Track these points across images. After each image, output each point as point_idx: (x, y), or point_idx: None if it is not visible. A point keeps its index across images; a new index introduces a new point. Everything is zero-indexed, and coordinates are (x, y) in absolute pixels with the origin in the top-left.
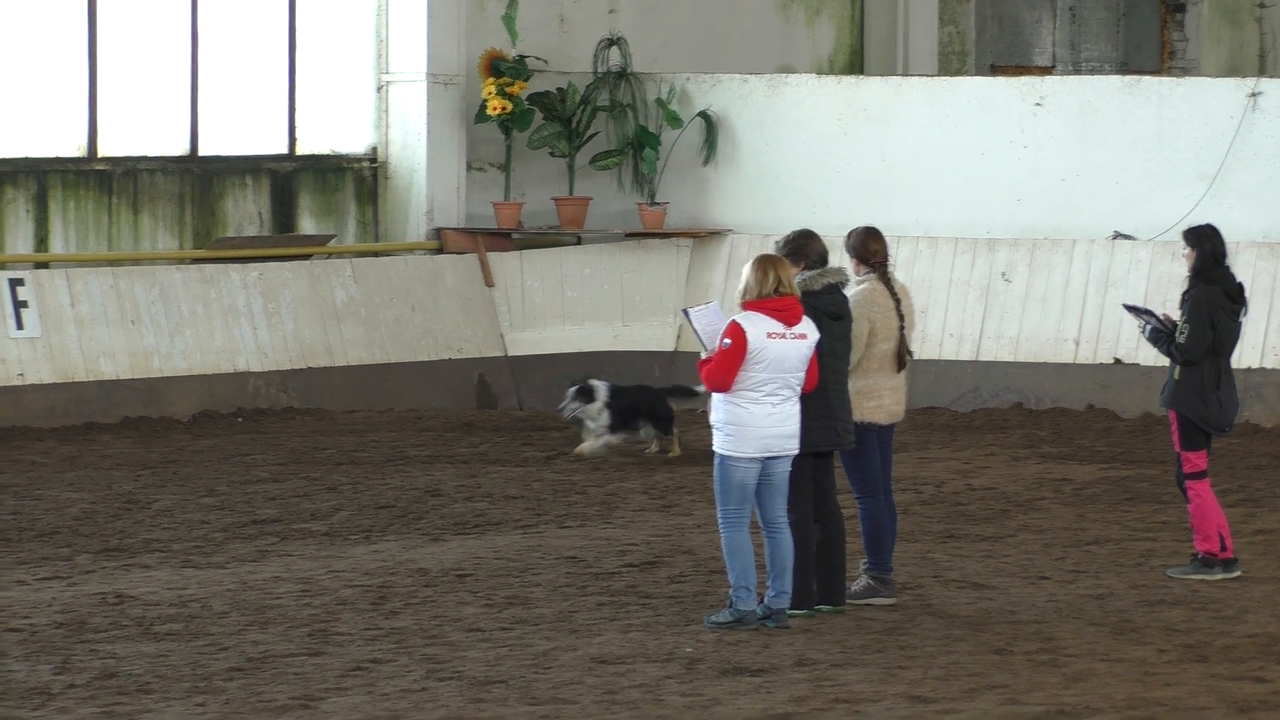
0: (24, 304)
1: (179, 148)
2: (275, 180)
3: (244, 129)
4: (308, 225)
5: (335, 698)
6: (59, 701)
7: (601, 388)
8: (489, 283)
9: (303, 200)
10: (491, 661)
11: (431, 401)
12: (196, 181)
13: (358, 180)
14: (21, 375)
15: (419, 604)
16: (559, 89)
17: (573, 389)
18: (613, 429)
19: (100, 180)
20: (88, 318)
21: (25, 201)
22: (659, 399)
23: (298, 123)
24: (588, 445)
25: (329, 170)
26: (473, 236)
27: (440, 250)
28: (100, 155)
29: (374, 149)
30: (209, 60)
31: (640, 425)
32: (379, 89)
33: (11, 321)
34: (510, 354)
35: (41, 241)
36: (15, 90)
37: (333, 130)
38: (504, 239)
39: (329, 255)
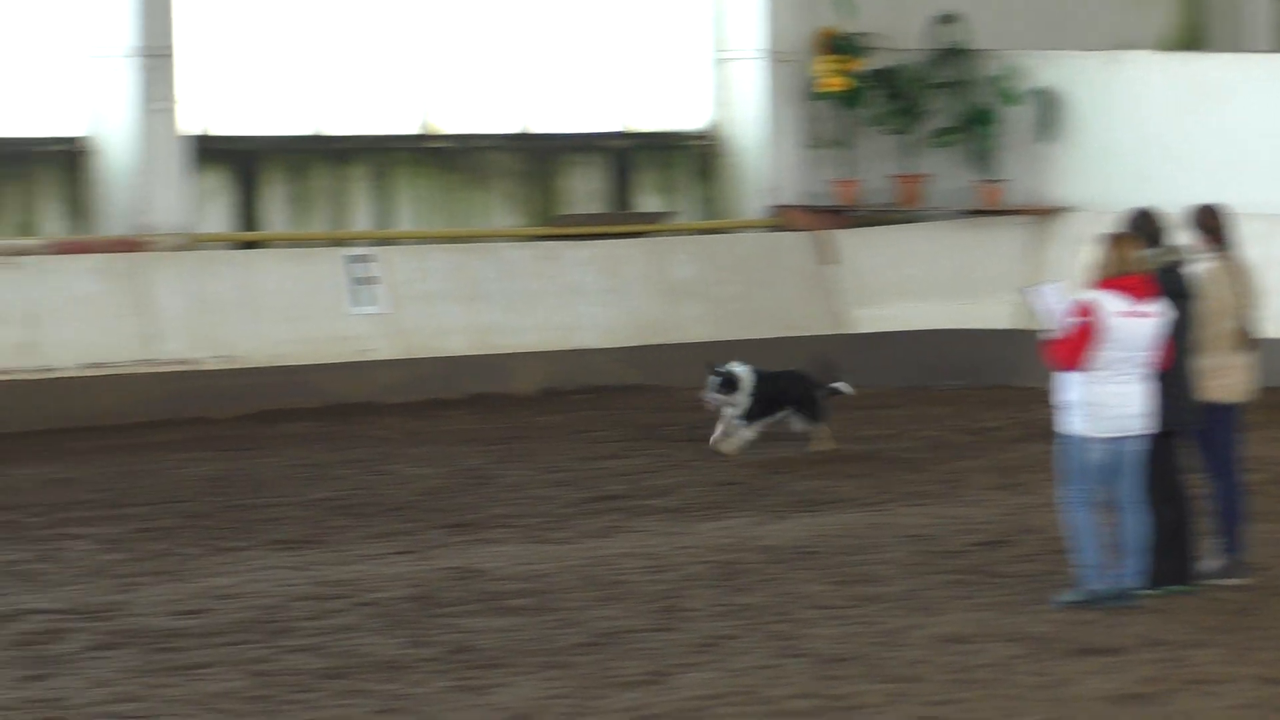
0: (370, 280)
1: (513, 125)
2: (613, 157)
3: (580, 106)
4: (646, 202)
5: (685, 673)
6: (411, 675)
7: (746, 376)
8: (828, 260)
9: (641, 177)
10: (840, 639)
11: None
12: (534, 159)
13: (695, 157)
14: (368, 351)
15: (767, 580)
16: (895, 66)
17: (715, 377)
18: (750, 418)
19: (440, 158)
20: (432, 294)
21: (368, 179)
22: (808, 386)
23: (633, 100)
24: (730, 443)
25: (666, 147)
26: (811, 214)
27: (778, 227)
28: (439, 133)
29: (711, 126)
30: (541, 37)
31: (784, 412)
32: (716, 66)
33: (357, 297)
34: (850, 331)
35: (385, 218)
36: (355, 69)
37: (670, 107)
38: (841, 216)
39: (668, 232)
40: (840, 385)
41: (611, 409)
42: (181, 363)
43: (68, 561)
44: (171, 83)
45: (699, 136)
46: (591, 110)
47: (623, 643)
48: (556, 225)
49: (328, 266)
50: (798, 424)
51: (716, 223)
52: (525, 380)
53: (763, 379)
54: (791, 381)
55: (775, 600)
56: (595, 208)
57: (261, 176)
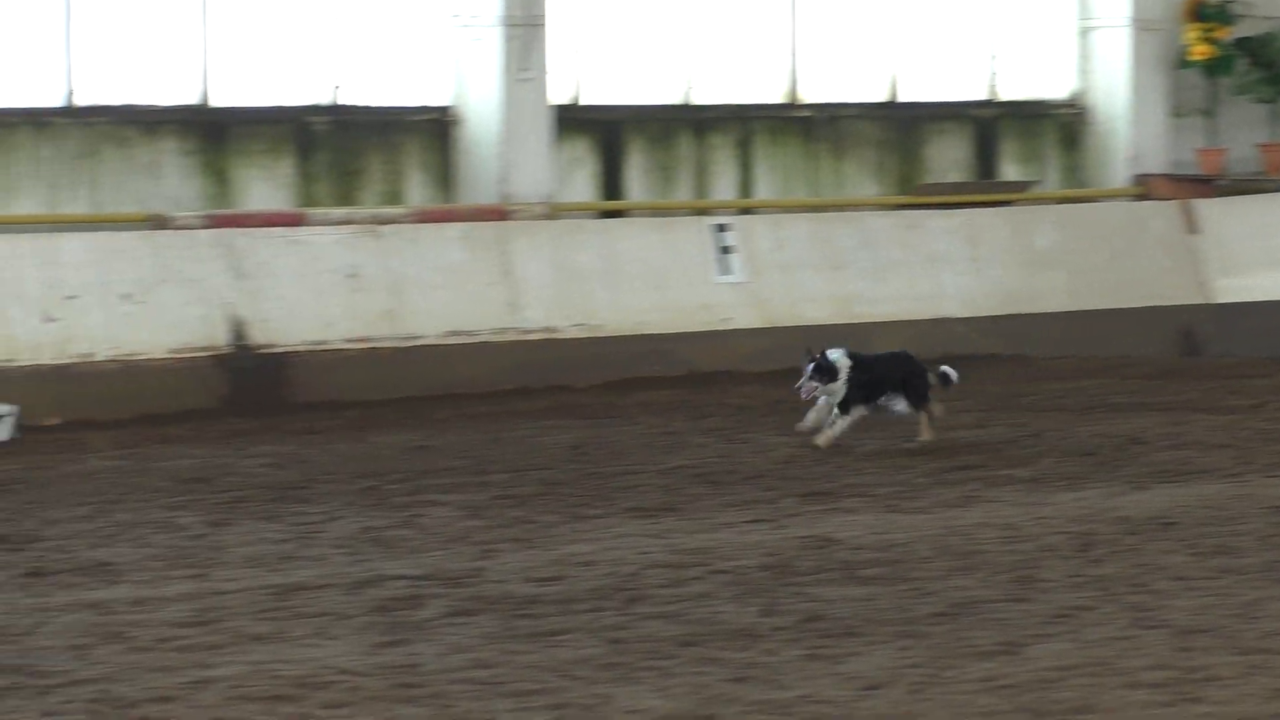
0: (730, 249)
1: (879, 94)
2: (976, 126)
3: (944, 75)
4: (1009, 171)
5: (1039, 644)
6: (765, 643)
7: (843, 363)
8: (1192, 229)
9: (1004, 146)
10: (1197, 610)
11: (1134, 349)
12: (897, 128)
13: (1059, 126)
14: (728, 320)
15: (1123, 552)
16: (1264, 34)
17: (810, 365)
18: (846, 407)
19: (803, 127)
20: (792, 263)
21: (730, 148)
22: (911, 369)
23: (998, 69)
24: (825, 435)
25: (1031, 116)
26: (1176, 183)
27: (1142, 196)
28: (802, 102)
29: (1076, 95)
30: (908, 6)
31: (887, 398)
32: (1081, 34)
33: (718, 266)
34: (1215, 301)
35: (745, 187)
36: (721, 38)
37: (1034, 76)
38: (1207, 185)
39: (1031, 201)
40: (948, 371)
41: (971, 378)
42: (543, 331)
43: (428, 528)
44: (541, 52)
45: (1063, 105)
46: (956, 79)
47: (977, 613)
48: (919, 194)
49: (689, 235)
50: (899, 408)
51: (1080, 192)
52: (886, 349)
53: (860, 365)
54: (893, 364)
55: (1131, 571)
56: (958, 176)
57: (625, 145)
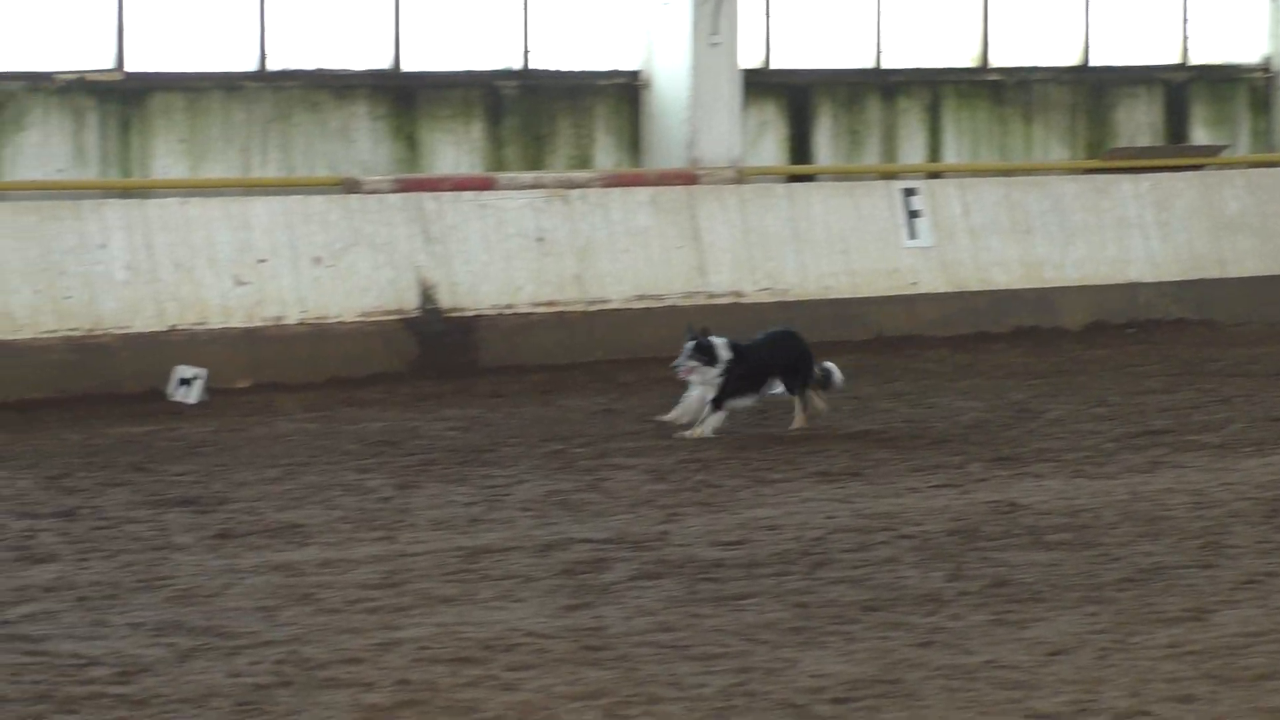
0: (917, 214)
1: (1070, 58)
2: (1167, 90)
3: (1136, 39)
4: (1199, 135)
5: (1227, 610)
6: (950, 608)
7: (722, 348)
8: None
9: (1195, 110)
10: None
11: None
12: (1088, 92)
13: (1250, 90)
14: (915, 284)
15: None
16: None
17: (690, 344)
18: (720, 401)
19: (992, 90)
20: (979, 228)
21: (919, 112)
22: (797, 352)
23: (1189, 33)
24: (699, 428)
25: (1221, 80)
26: None
27: None
28: (992, 66)
29: (1267, 59)
30: None
31: (769, 385)
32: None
33: (906, 231)
34: None
35: (933, 151)
36: (913, 1)
37: (1225, 40)
38: None
39: (1220, 166)
40: (830, 368)
41: (1159, 343)
42: (730, 295)
43: (613, 492)
44: (731, 17)
45: (1255, 69)
46: (1147, 43)
47: (1163, 579)
48: (1108, 158)
49: (877, 200)
50: (777, 390)
51: (1270, 156)
52: (1072, 314)
53: (740, 357)
54: (777, 347)
55: None
56: (1148, 141)
57: (814, 109)
